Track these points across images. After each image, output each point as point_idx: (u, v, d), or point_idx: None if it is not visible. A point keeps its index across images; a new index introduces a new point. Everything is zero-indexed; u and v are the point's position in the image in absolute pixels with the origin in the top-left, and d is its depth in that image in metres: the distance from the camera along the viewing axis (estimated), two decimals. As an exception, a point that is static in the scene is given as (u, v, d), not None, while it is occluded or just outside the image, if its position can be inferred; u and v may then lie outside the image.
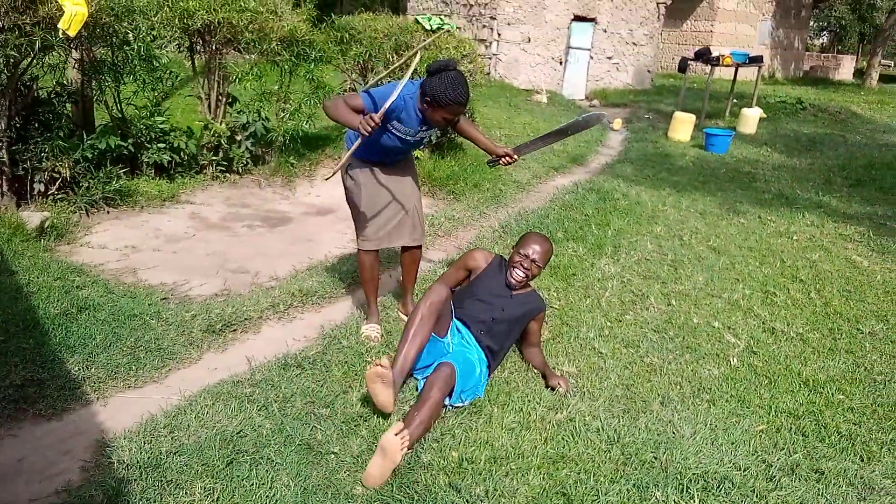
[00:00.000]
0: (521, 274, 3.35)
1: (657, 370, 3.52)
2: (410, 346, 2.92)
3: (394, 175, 3.56)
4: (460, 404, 3.00)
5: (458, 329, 3.25)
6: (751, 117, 12.23)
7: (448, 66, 3.11)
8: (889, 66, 36.02)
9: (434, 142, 7.31)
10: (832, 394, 3.38)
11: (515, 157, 3.55)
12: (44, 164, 4.97)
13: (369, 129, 2.90)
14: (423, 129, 3.32)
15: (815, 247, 5.77)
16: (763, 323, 4.21)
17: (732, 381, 3.44)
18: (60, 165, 5.00)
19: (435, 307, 3.00)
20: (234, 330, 3.68)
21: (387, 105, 3.02)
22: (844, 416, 3.18)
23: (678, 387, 3.36)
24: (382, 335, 3.65)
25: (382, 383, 2.73)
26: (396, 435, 2.51)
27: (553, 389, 3.22)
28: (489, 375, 3.25)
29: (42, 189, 5.06)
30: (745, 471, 2.71)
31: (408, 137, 3.34)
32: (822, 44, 46.11)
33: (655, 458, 2.74)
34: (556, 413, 3.02)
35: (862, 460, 2.85)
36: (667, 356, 3.67)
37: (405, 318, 3.83)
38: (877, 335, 4.12)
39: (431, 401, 2.73)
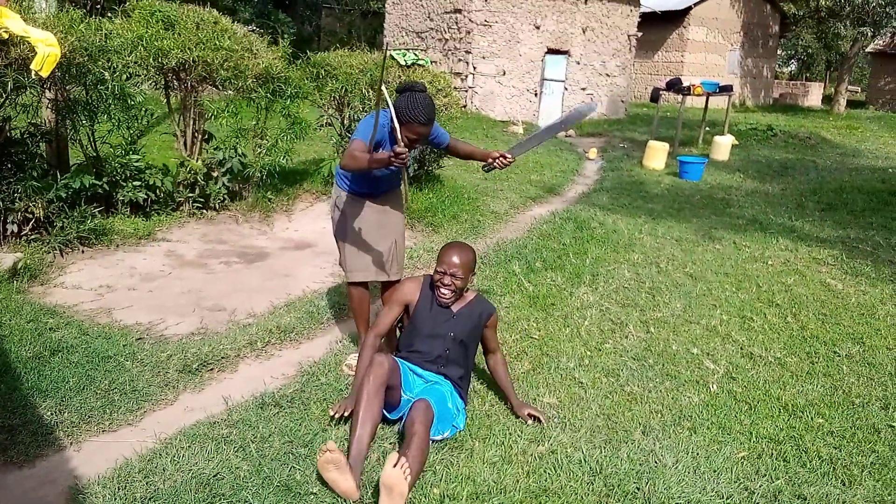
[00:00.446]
0: (446, 291, 3.16)
1: (638, 399, 3.52)
2: (363, 430, 2.72)
3: (382, 208, 3.59)
4: (440, 437, 2.97)
5: (415, 374, 3.15)
6: (723, 144, 12.45)
7: (414, 87, 3.20)
8: (856, 92, 36.95)
9: (411, 175, 7.35)
10: (812, 418, 3.39)
11: (510, 157, 3.47)
12: (17, 204, 4.92)
13: (404, 159, 2.88)
14: None
15: (790, 271, 5.84)
16: (741, 348, 4.23)
17: (713, 408, 3.44)
18: (34, 206, 4.95)
19: (379, 382, 2.82)
20: (211, 369, 3.63)
21: (373, 135, 3.06)
22: (825, 440, 3.19)
23: (659, 415, 3.36)
24: None
25: (337, 469, 2.52)
26: (395, 466, 2.43)
27: (525, 422, 3.19)
28: (465, 401, 3.22)
29: (15, 230, 5.00)
30: (727, 499, 2.70)
31: None
32: (790, 71, 47.28)
33: (638, 489, 2.72)
34: (538, 445, 3.00)
35: (844, 484, 2.85)
36: (647, 384, 3.68)
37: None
38: (853, 358, 4.16)
39: (418, 435, 2.68)
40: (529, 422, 3.18)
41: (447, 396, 3.06)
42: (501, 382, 3.34)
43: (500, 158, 3.48)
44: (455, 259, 3.15)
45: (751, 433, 3.22)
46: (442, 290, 3.17)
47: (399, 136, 3.07)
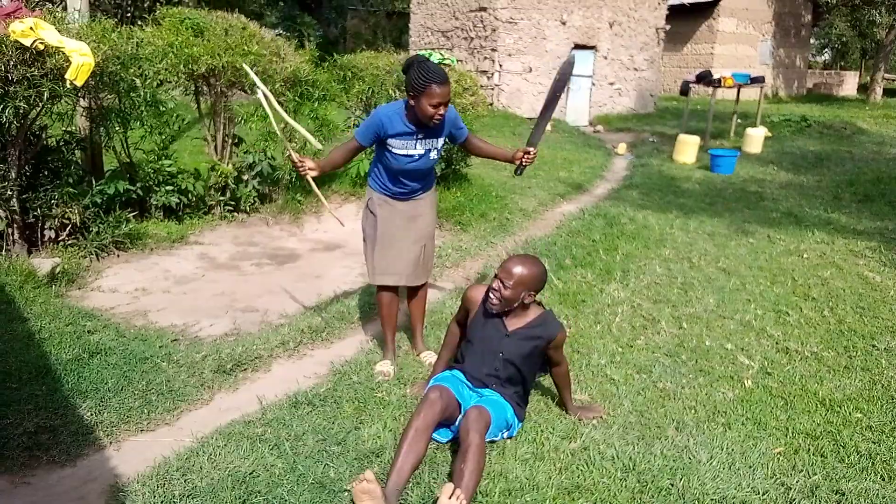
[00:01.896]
0: (493, 297, 3.00)
1: (671, 395, 3.48)
2: (405, 462, 2.60)
3: (413, 210, 3.57)
4: (497, 438, 2.94)
5: (469, 389, 3.08)
6: (756, 137, 12.25)
7: (417, 58, 3.22)
8: (892, 81, 36.03)
9: (437, 174, 7.36)
10: (850, 413, 3.33)
11: (532, 150, 3.45)
12: (54, 210, 5.04)
13: (301, 169, 3.30)
14: (421, 137, 3.33)
15: (827, 264, 5.73)
16: (776, 343, 4.17)
17: (748, 404, 3.39)
18: (70, 211, 5.06)
19: (430, 420, 2.72)
20: (245, 369, 3.68)
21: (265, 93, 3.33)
22: (863, 434, 3.13)
23: (693, 411, 3.32)
24: (395, 372, 3.63)
25: (372, 500, 2.43)
26: (450, 498, 2.38)
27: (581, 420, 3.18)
28: (521, 418, 3.12)
29: (53, 235, 5.12)
30: (763, 494, 2.67)
31: (413, 153, 3.36)
32: (824, 61, 46.32)
33: (672, 485, 2.70)
34: (570, 442, 2.99)
35: (883, 479, 2.79)
36: (680, 380, 3.64)
37: (421, 359, 3.81)
38: (893, 351, 4.07)
39: (473, 446, 2.58)
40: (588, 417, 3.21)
41: (505, 407, 2.98)
42: (560, 391, 3.28)
43: (525, 156, 3.46)
44: (511, 267, 2.97)
45: (787, 428, 3.17)
46: (491, 297, 3.03)
47: (294, 157, 3.29)
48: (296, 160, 3.29)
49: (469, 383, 3.08)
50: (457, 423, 2.89)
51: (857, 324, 4.47)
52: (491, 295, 3.02)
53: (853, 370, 3.81)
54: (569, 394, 3.26)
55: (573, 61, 3.61)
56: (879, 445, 3.04)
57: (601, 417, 3.20)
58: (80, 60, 4.53)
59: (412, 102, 3.20)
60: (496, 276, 3.01)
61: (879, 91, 24.46)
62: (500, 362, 3.04)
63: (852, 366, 3.87)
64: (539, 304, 3.17)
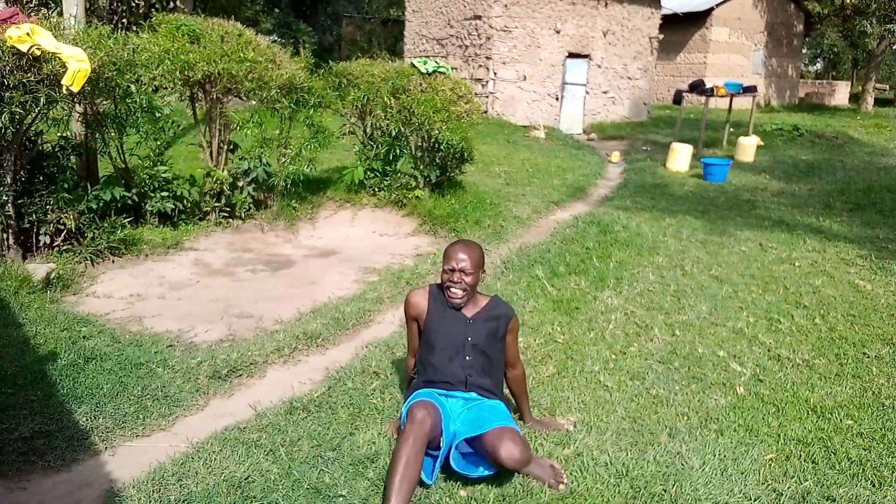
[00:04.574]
0: (457, 290, 2.95)
1: (664, 401, 3.51)
2: (398, 498, 2.48)
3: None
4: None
5: (449, 398, 2.96)
6: (748, 146, 12.34)
7: None
8: (884, 90, 36.34)
9: (432, 181, 7.39)
10: (841, 420, 3.36)
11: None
12: (49, 216, 5.04)
13: None
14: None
15: (818, 272, 5.78)
16: (768, 350, 4.20)
17: (740, 410, 3.42)
18: (65, 217, 5.07)
19: (420, 445, 2.59)
20: (240, 375, 3.69)
21: None
22: (854, 441, 3.16)
23: (685, 418, 3.35)
24: None
25: None
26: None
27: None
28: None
29: (48, 241, 5.12)
30: (755, 500, 2.69)
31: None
32: (816, 70, 46.66)
33: (665, 491, 2.72)
34: (564, 448, 3.01)
35: (873, 486, 2.82)
36: (673, 387, 3.67)
37: None
38: (883, 359, 4.11)
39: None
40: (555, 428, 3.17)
41: (502, 408, 2.97)
42: (517, 399, 3.21)
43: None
44: (462, 254, 2.95)
45: (779, 435, 3.19)
46: (452, 290, 2.97)
47: None
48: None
49: (444, 391, 2.96)
50: (439, 446, 2.74)
51: (849, 331, 4.51)
52: (453, 290, 2.96)
53: (844, 377, 3.85)
54: (526, 403, 3.22)
55: None
56: (870, 452, 3.07)
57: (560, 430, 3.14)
58: (77, 66, 4.55)
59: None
60: (449, 268, 2.95)
61: (871, 101, 24.66)
62: (469, 349, 2.98)
63: (843, 373, 3.91)
64: (480, 293, 3.14)
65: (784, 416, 3.39)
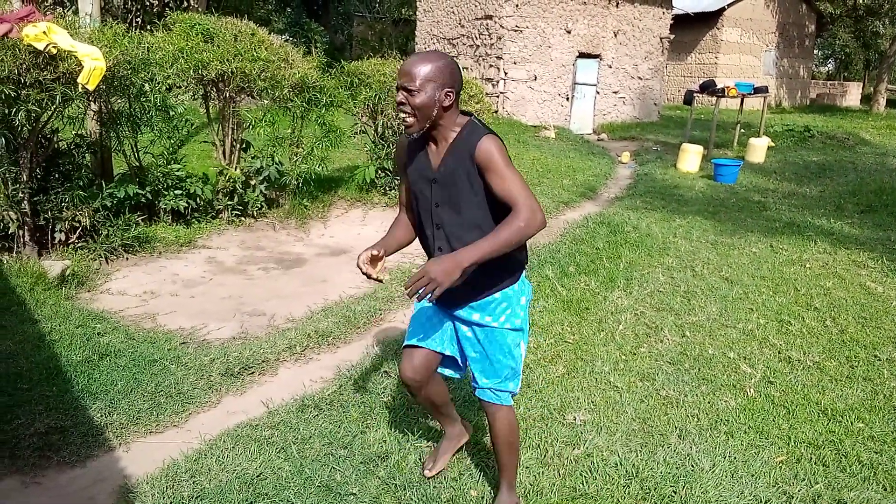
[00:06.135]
0: (401, 113, 2.20)
1: (674, 403, 3.51)
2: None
3: None
4: (513, 389, 2.47)
5: (439, 318, 2.49)
6: (759, 147, 12.29)
7: None
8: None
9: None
10: (852, 422, 3.35)
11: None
12: (64, 213, 5.09)
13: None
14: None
15: (829, 274, 5.76)
16: (779, 352, 4.20)
17: (750, 412, 3.42)
18: (80, 214, 5.12)
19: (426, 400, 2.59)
20: (252, 373, 3.72)
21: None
22: (865, 444, 3.16)
23: (695, 419, 3.35)
24: None
25: None
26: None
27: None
28: (516, 281, 2.36)
29: (63, 238, 5.17)
30: (766, 503, 2.69)
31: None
32: (828, 71, 46.40)
33: (675, 493, 2.73)
34: (574, 449, 3.03)
35: (885, 489, 2.82)
36: (683, 388, 3.67)
37: None
38: (895, 361, 4.10)
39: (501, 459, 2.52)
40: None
41: (499, 343, 2.37)
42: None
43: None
44: (408, 67, 2.16)
45: (789, 437, 3.19)
46: (400, 117, 2.23)
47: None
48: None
49: (439, 310, 2.47)
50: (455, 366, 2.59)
51: (860, 334, 4.50)
52: (400, 114, 2.22)
53: (855, 380, 3.84)
54: (483, 245, 2.04)
55: None
56: (881, 455, 3.07)
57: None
58: (92, 64, 4.60)
59: None
60: (397, 89, 2.19)
61: (883, 102, 24.50)
62: (437, 215, 2.30)
63: (854, 376, 3.90)
64: (470, 115, 2.31)
65: (794, 418, 3.39)
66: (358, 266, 2.26)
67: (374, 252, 2.26)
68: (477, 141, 2.15)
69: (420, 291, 2.02)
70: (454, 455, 2.88)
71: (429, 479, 2.76)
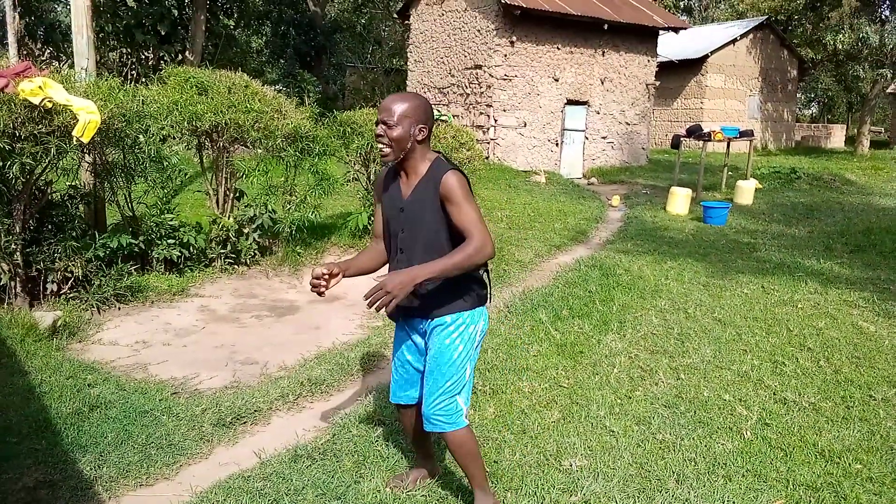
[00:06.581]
0: (382, 149, 2.49)
1: (670, 447, 3.49)
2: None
3: None
4: (460, 405, 2.61)
5: (407, 344, 2.77)
6: (746, 189, 12.45)
7: None
8: (879, 133, 36.76)
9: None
10: (849, 464, 3.33)
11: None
12: (57, 264, 5.09)
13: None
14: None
15: (821, 314, 5.78)
16: (774, 394, 4.19)
17: (747, 455, 3.40)
18: (73, 265, 5.12)
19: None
20: (245, 422, 3.68)
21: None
22: (864, 486, 3.14)
23: (693, 463, 3.33)
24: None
25: None
26: None
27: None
28: (474, 303, 2.61)
29: (55, 288, 5.16)
30: (766, 548, 2.66)
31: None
32: (811, 114, 47.31)
33: (674, 538, 2.69)
34: (571, 496, 2.99)
35: (885, 532, 2.79)
36: (679, 432, 3.65)
37: None
38: (890, 401, 4.09)
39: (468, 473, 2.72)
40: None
41: (445, 355, 2.56)
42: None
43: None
44: (387, 103, 2.47)
45: (787, 480, 3.17)
46: (380, 148, 2.52)
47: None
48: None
49: (406, 327, 2.72)
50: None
51: (854, 374, 4.50)
52: (380, 147, 2.51)
53: (851, 420, 3.83)
54: (436, 265, 2.32)
55: None
56: (880, 497, 3.04)
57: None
58: (87, 118, 4.66)
59: None
60: (376, 123, 2.50)
61: (866, 143, 24.91)
62: (402, 241, 2.58)
63: (850, 416, 3.89)
64: (438, 153, 2.61)
65: (792, 460, 3.36)
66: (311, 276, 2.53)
67: (334, 270, 2.55)
68: (442, 175, 2.44)
69: (377, 303, 2.25)
70: (418, 483, 3.02)
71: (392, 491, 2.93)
